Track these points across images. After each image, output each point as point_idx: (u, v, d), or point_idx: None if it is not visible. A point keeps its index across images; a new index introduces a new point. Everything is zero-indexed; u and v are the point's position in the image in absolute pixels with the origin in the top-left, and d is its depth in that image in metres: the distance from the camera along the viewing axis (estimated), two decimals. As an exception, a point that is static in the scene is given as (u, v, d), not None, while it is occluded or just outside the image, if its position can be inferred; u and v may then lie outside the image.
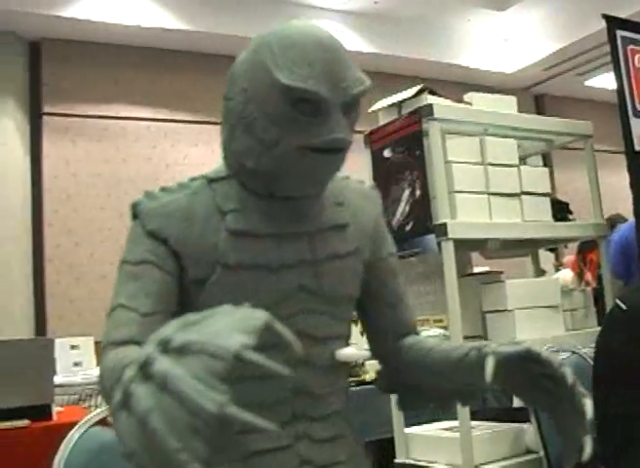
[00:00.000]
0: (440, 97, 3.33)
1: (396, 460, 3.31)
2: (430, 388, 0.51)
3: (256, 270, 0.45)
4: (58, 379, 4.85)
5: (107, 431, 1.79)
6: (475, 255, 4.10)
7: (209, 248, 0.45)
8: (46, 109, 9.97)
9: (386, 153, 3.32)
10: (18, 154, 9.62)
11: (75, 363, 6.42)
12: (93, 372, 5.58)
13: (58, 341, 4.99)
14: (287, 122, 0.43)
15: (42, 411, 3.49)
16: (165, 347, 0.39)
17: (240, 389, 0.43)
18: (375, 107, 3.46)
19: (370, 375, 4.30)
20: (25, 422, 3.41)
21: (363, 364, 4.38)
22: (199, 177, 0.48)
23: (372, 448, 4.07)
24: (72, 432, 1.80)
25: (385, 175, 3.32)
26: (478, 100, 3.49)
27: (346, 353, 0.46)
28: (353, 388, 4.31)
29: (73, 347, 6.62)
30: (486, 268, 4.53)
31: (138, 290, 0.45)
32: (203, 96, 10.72)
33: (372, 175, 3.38)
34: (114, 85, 10.27)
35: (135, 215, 0.49)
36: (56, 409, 3.68)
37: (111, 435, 1.69)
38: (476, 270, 4.09)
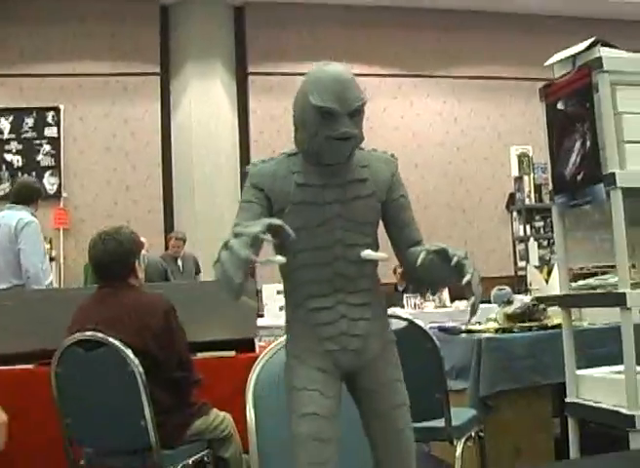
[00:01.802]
0: (614, 48, 3.39)
1: (567, 400, 3.47)
2: (421, 278, 0.79)
3: (310, 205, 0.74)
4: (264, 321, 5.23)
5: None
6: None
7: (285, 193, 0.73)
8: (251, 69, 10.62)
9: (560, 105, 3.44)
10: (226, 112, 10.33)
11: (280, 307, 6.88)
12: None
13: (265, 287, 5.34)
14: (318, 124, 0.71)
15: (246, 344, 3.96)
16: (234, 234, 0.70)
17: (303, 272, 0.74)
18: (549, 62, 3.56)
19: (551, 321, 4.44)
20: (232, 353, 3.92)
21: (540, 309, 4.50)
22: (282, 154, 0.77)
23: (552, 388, 4.25)
24: (262, 355, 2.15)
25: (559, 127, 3.44)
26: (657, 49, 3.51)
27: (367, 253, 0.73)
28: (537, 332, 4.48)
29: (279, 292, 7.14)
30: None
31: (246, 216, 0.75)
32: (400, 50, 10.94)
33: (546, 127, 3.51)
34: (314, 43, 10.70)
35: (248, 174, 0.80)
36: (259, 343, 4.14)
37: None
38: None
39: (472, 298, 0.75)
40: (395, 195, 0.80)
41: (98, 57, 10.19)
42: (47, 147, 9.95)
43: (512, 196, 10.35)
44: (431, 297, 8.37)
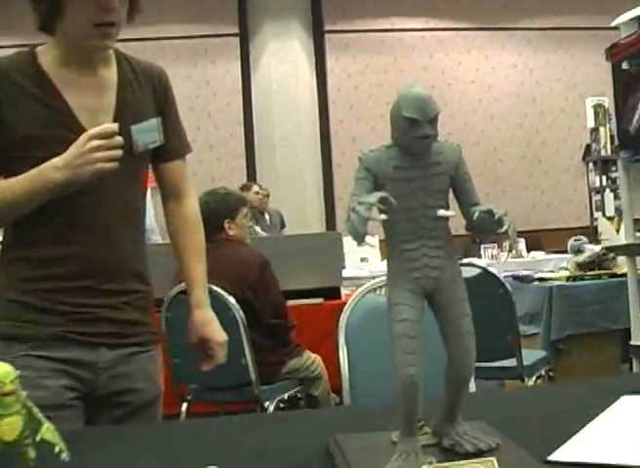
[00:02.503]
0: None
1: (631, 342, 3.70)
2: (475, 228, 1.06)
3: (403, 180, 1.01)
4: (346, 273, 5.53)
5: (379, 297, 2.42)
6: None
7: (385, 173, 0.99)
8: (327, 27, 10.81)
9: (624, 65, 3.63)
10: (304, 70, 10.57)
11: (362, 258, 7.14)
12: (377, 267, 6.10)
13: (345, 239, 5.63)
14: (407, 128, 0.99)
15: (332, 292, 4.32)
16: (358, 202, 0.97)
17: (397, 225, 1.07)
18: (615, 22, 3.75)
19: (620, 269, 4.65)
20: (319, 300, 4.30)
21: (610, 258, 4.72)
22: (382, 146, 1.05)
23: (621, 334, 4.48)
24: (352, 298, 2.46)
25: (623, 86, 3.64)
26: None
27: (441, 212, 1.01)
28: (606, 280, 4.71)
29: (366, 245, 7.42)
30: None
31: (361, 189, 1.00)
32: (474, 3, 10.97)
33: (612, 86, 3.71)
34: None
35: (360, 160, 1.06)
36: (344, 291, 4.48)
37: (382, 300, 2.33)
38: None
39: (509, 240, 1.04)
40: (460, 172, 1.07)
41: (178, 20, 10.50)
42: (132, 109, 10.36)
43: (588, 147, 10.38)
44: (507, 248, 8.58)
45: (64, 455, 1.02)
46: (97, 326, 1.79)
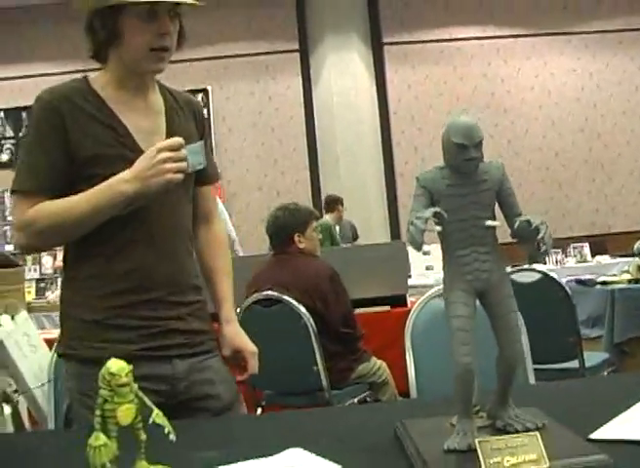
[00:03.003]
0: None
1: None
2: (518, 236, 1.21)
3: (454, 196, 1.16)
4: (412, 281, 5.64)
5: (443, 302, 2.54)
6: None
7: (439, 190, 1.16)
8: (386, 39, 10.97)
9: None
10: (365, 82, 10.74)
11: (427, 267, 7.21)
12: (442, 275, 6.27)
13: (410, 248, 5.76)
14: (456, 153, 1.15)
15: (399, 300, 4.46)
16: (416, 217, 1.15)
17: (452, 235, 1.22)
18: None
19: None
20: (386, 308, 4.45)
21: None
22: (435, 167, 1.21)
23: None
24: (417, 303, 2.60)
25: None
26: None
27: (489, 222, 1.17)
28: None
29: (425, 253, 7.55)
30: None
31: (418, 205, 1.15)
32: (532, 9, 11.00)
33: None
34: (445, 9, 10.95)
35: (417, 180, 1.24)
36: (410, 299, 4.62)
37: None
38: None
39: (544, 246, 1.18)
40: (504, 187, 1.24)
41: (239, 38, 10.80)
42: (199, 127, 10.63)
43: (653, 149, 10.33)
44: (572, 253, 8.60)
45: (172, 436, 1.20)
46: (168, 338, 1.87)
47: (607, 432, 1.27)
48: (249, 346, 2.05)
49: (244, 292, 3.77)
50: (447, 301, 1.30)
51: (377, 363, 3.94)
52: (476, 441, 1.12)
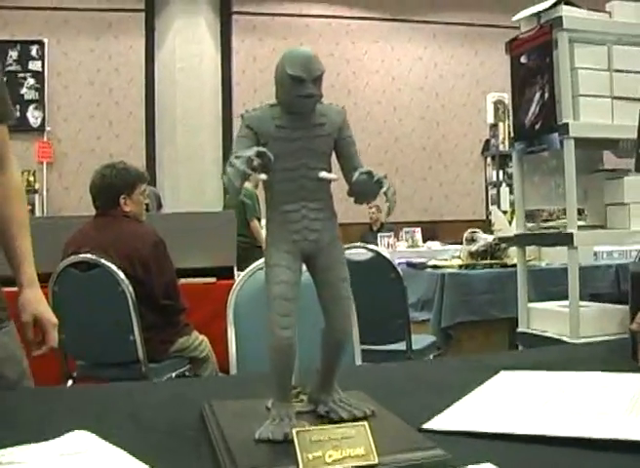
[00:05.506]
0: (576, 7, 3.64)
1: (518, 329, 3.79)
2: (356, 191, 1.06)
3: (284, 140, 0.98)
4: None
5: None
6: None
7: (267, 131, 0.99)
8: (235, 9, 10.71)
9: (523, 59, 3.70)
10: (210, 51, 10.43)
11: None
12: None
13: None
14: (291, 87, 0.96)
15: (226, 272, 4.27)
16: (235, 157, 0.94)
17: (278, 185, 1.04)
18: (517, 17, 3.81)
19: (510, 260, 4.77)
20: (212, 279, 4.24)
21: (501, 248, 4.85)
22: (266, 104, 1.02)
23: (509, 323, 4.59)
24: (242, 274, 2.43)
25: (521, 79, 3.71)
26: (618, 10, 3.73)
27: (323, 174, 0.98)
28: (497, 269, 4.82)
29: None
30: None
31: (241, 146, 0.97)
32: (382, -7, 11.06)
33: (510, 78, 3.77)
34: (297, -16, 10.82)
35: (242, 118, 1.07)
36: (237, 272, 4.44)
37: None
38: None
39: (387, 203, 1.01)
40: (343, 135, 1.05)
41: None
42: (31, 81, 10.02)
43: (487, 142, 10.63)
44: (404, 237, 8.70)
45: None
46: None
47: (440, 422, 1.13)
48: (50, 317, 1.85)
49: (56, 256, 3.47)
50: (268, 265, 1.09)
51: (198, 337, 3.75)
52: (294, 431, 0.93)
